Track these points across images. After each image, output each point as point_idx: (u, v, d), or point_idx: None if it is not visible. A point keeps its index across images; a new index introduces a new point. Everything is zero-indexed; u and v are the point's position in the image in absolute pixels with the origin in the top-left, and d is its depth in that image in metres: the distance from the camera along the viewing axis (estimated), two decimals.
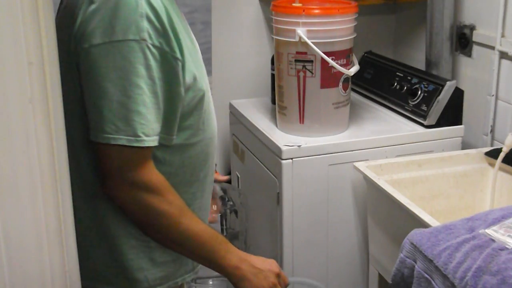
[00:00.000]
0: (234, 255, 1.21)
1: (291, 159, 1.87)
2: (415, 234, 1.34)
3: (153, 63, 1.05)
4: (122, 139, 1.05)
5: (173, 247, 1.20)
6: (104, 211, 1.17)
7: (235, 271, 1.21)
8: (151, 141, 1.08)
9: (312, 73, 1.89)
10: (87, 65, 1.06)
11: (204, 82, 1.19)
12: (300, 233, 1.94)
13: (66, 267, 0.80)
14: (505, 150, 1.73)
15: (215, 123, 1.29)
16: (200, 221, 1.19)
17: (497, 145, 1.95)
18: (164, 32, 1.06)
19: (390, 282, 1.41)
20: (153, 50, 1.05)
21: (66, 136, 0.94)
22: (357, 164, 1.80)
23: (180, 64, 1.09)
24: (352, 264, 2.04)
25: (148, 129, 1.07)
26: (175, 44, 1.08)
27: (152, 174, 1.12)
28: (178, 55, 1.09)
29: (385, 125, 2.05)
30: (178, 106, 1.12)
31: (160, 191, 1.12)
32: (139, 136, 1.06)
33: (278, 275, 1.25)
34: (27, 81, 0.72)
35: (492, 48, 1.96)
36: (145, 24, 1.04)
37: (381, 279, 1.84)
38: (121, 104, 1.04)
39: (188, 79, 1.12)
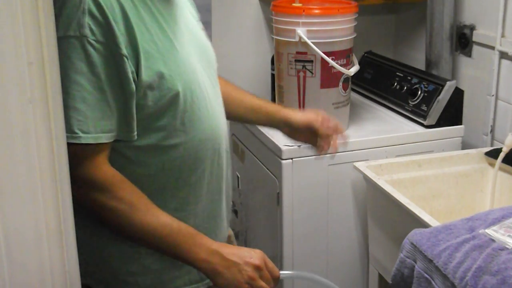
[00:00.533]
0: (203, 248, 1.13)
1: (291, 159, 1.87)
2: (415, 234, 1.34)
3: (96, 59, 1.03)
4: None
5: (136, 242, 1.16)
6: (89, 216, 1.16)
7: (204, 264, 1.13)
8: (91, 138, 1.05)
9: (312, 73, 1.89)
10: None
11: (182, 82, 1.14)
12: (300, 233, 1.94)
13: (66, 267, 0.80)
14: (505, 150, 1.72)
15: (215, 125, 1.24)
16: (161, 216, 1.12)
17: (497, 145, 1.95)
18: (108, 27, 1.04)
19: (390, 282, 1.41)
20: (97, 46, 1.03)
21: None
22: (357, 164, 1.80)
23: (127, 60, 1.06)
24: (352, 264, 2.04)
25: (87, 126, 1.05)
26: (125, 40, 1.06)
27: (98, 171, 1.09)
28: (126, 51, 1.06)
29: (385, 125, 2.05)
30: (130, 102, 1.09)
31: (108, 187, 1.09)
32: (75, 133, 1.04)
33: (258, 268, 1.14)
34: (27, 81, 0.71)
35: (492, 48, 1.96)
36: (87, 20, 1.03)
37: (381, 279, 1.84)
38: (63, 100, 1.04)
39: (148, 77, 1.08)
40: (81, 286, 1.24)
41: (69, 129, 1.03)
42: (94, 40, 1.03)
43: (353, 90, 2.26)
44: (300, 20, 1.84)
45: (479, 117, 2.06)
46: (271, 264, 1.18)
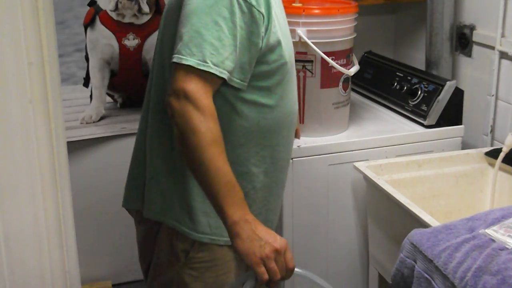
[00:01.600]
0: (241, 212, 1.20)
1: (291, 159, 1.87)
2: (415, 234, 1.34)
3: (237, 11, 1.21)
4: (192, 61, 1.19)
5: (194, 171, 1.23)
6: (177, 151, 1.31)
7: (233, 226, 1.19)
8: (218, 71, 1.20)
9: (312, 73, 1.89)
10: (183, 3, 1.24)
11: (288, 54, 1.33)
12: (300, 233, 1.94)
13: (66, 267, 0.80)
14: (505, 150, 1.72)
15: (294, 101, 1.40)
16: (227, 165, 1.21)
17: (497, 145, 1.95)
18: None
19: (390, 282, 1.41)
20: (241, 1, 1.21)
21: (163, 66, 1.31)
22: (357, 164, 1.80)
23: (263, 18, 1.24)
24: (352, 264, 2.04)
25: (217, 60, 1.20)
26: (263, 2, 1.24)
27: (206, 96, 1.21)
28: (263, 11, 1.24)
29: (385, 125, 2.05)
30: (253, 55, 1.26)
31: (206, 113, 1.19)
32: (207, 63, 1.19)
33: (277, 252, 1.20)
34: (27, 81, 0.72)
35: (492, 48, 1.96)
36: None
37: (381, 279, 1.84)
38: (199, 34, 1.20)
39: (272, 40, 1.27)
40: (153, 223, 1.38)
41: (202, 58, 1.19)
42: None
43: (353, 90, 2.26)
44: (300, 20, 1.84)
45: (479, 117, 2.06)
46: (290, 255, 1.24)
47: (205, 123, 1.18)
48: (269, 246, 1.19)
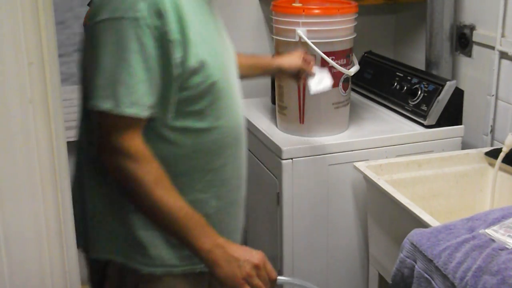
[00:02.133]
0: (210, 239, 1.19)
1: (291, 159, 1.87)
2: (415, 234, 1.34)
3: (147, 41, 1.11)
4: (107, 106, 1.12)
5: (149, 218, 1.21)
6: (112, 186, 1.24)
7: (208, 255, 1.18)
8: (137, 111, 1.13)
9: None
10: (91, 40, 1.16)
11: (220, 71, 1.24)
12: (300, 233, 1.94)
13: (66, 267, 0.80)
14: (505, 150, 1.72)
15: (238, 115, 1.32)
16: (179, 198, 1.18)
17: (497, 145, 1.95)
18: (161, 13, 1.12)
19: (390, 282, 1.41)
20: (149, 29, 1.11)
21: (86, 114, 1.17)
22: (357, 164, 1.80)
23: (176, 46, 1.14)
24: (352, 264, 2.04)
25: (133, 99, 1.12)
26: (175, 26, 1.14)
27: (134, 142, 1.16)
28: (175, 36, 1.14)
29: (385, 125, 2.05)
30: (172, 85, 1.17)
31: (139, 159, 1.16)
32: (123, 104, 1.12)
33: (257, 267, 1.20)
34: (27, 81, 0.72)
35: (492, 48, 1.96)
36: (142, 5, 1.11)
37: (381, 279, 1.84)
38: (111, 75, 1.12)
39: (192, 63, 1.17)
40: (100, 263, 1.30)
41: (116, 101, 1.12)
42: (147, 23, 1.11)
43: (353, 90, 2.26)
44: (300, 20, 1.84)
45: (479, 117, 2.06)
46: (270, 266, 1.23)
47: (140, 169, 1.15)
48: (248, 264, 1.19)
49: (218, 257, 1.18)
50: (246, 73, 1.59)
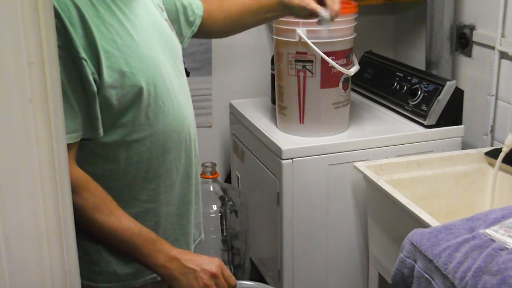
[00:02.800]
0: (162, 254, 1.17)
1: (291, 159, 1.87)
2: (415, 234, 1.34)
3: (61, 63, 1.02)
4: None
5: (99, 243, 1.19)
6: None
7: (163, 270, 1.17)
8: None
9: (312, 73, 1.89)
10: None
11: (145, 76, 1.15)
12: (300, 233, 1.94)
13: (66, 267, 0.80)
14: (505, 150, 1.72)
15: (178, 116, 1.25)
16: (123, 219, 1.15)
17: (497, 145, 1.95)
18: (66, 31, 1.05)
19: (390, 282, 1.41)
20: (60, 52, 1.02)
21: None
22: (357, 164, 1.80)
23: (86, 63, 1.07)
24: (352, 264, 2.04)
25: None
26: (83, 43, 1.07)
27: None
28: (84, 54, 1.07)
29: (385, 125, 2.05)
30: (93, 103, 1.10)
31: (74, 187, 1.07)
32: None
33: (214, 276, 1.18)
34: (27, 81, 0.71)
35: (492, 48, 1.96)
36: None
37: (381, 279, 1.84)
38: None
39: (109, 76, 1.10)
40: None
41: None
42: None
43: (353, 90, 2.26)
44: (300, 20, 1.84)
45: (479, 117, 2.06)
46: (227, 272, 1.21)
47: (78, 197, 1.09)
48: (205, 274, 1.17)
49: (174, 271, 1.16)
50: (249, 20, 1.53)
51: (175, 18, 1.44)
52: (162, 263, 1.16)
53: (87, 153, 1.15)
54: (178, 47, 1.34)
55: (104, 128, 1.14)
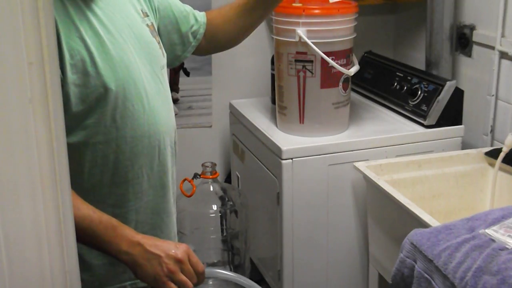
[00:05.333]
0: (124, 240, 1.12)
1: (291, 159, 1.87)
2: (415, 234, 1.34)
3: None
4: None
5: None
6: None
7: (125, 256, 1.12)
8: None
9: (312, 73, 1.89)
10: None
11: (112, 78, 1.14)
12: (300, 233, 1.94)
13: (66, 267, 0.80)
14: (505, 150, 1.72)
15: (151, 122, 1.23)
16: (82, 207, 1.11)
17: (497, 145, 1.95)
18: None
19: (390, 282, 1.41)
20: None
21: None
22: (357, 164, 1.80)
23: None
24: (352, 264, 2.04)
25: None
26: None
27: None
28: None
29: (385, 125, 2.05)
30: None
31: None
32: None
33: (180, 261, 1.13)
34: (27, 81, 0.71)
35: (492, 48, 1.96)
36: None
37: (381, 279, 1.84)
38: None
39: (73, 74, 1.09)
40: None
41: None
42: None
43: (353, 90, 2.26)
44: (300, 20, 1.84)
45: (479, 117, 2.06)
46: (195, 258, 1.16)
47: None
48: (169, 259, 1.12)
49: (137, 256, 1.12)
50: (247, 20, 1.50)
51: (175, 27, 1.44)
52: (124, 249, 1.12)
53: None
54: (158, 53, 1.32)
55: (68, 129, 1.12)
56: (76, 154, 1.15)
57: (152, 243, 1.14)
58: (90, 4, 1.15)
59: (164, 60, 1.34)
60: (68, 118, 1.09)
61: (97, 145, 1.16)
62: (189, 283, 1.13)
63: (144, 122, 1.21)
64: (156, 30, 1.36)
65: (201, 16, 1.49)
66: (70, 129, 1.11)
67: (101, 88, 1.12)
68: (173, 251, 1.13)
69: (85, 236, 1.11)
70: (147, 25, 1.31)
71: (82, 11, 1.13)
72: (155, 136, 1.24)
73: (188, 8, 1.47)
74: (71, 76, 1.09)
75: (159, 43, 1.33)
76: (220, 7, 1.54)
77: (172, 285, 1.12)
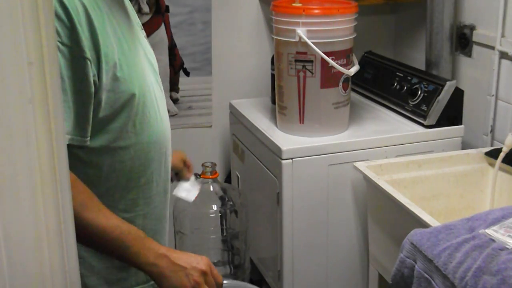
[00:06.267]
0: (151, 252, 1.15)
1: (291, 159, 1.87)
2: (415, 234, 1.34)
3: (61, 61, 1.04)
4: None
5: (85, 243, 1.17)
6: None
7: (152, 268, 1.14)
8: None
9: (312, 73, 1.89)
10: None
11: (136, 83, 1.17)
12: (300, 233, 1.94)
13: (66, 267, 0.80)
14: (505, 150, 1.72)
15: (161, 128, 1.26)
16: (111, 217, 1.14)
17: (497, 145, 1.95)
18: (73, 30, 1.05)
19: (390, 282, 1.41)
20: (62, 48, 1.04)
21: None
22: (357, 164, 1.80)
23: (89, 63, 1.08)
24: (352, 264, 2.04)
25: None
26: (88, 43, 1.08)
27: None
28: (89, 54, 1.08)
29: (385, 125, 2.05)
30: (88, 106, 1.10)
31: None
32: None
33: (204, 273, 1.17)
34: (27, 81, 0.71)
35: (492, 48, 1.96)
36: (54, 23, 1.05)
37: (381, 279, 1.84)
38: None
39: (106, 79, 1.11)
40: None
41: None
42: (59, 42, 1.03)
43: (353, 90, 2.26)
44: (300, 20, 1.84)
45: (479, 117, 2.06)
46: (215, 270, 1.21)
47: None
48: (195, 271, 1.16)
49: (163, 268, 1.15)
50: None
51: None
52: (151, 261, 1.14)
53: (69, 157, 1.14)
54: (156, 63, 1.35)
55: (92, 133, 1.14)
56: (96, 159, 1.17)
57: (177, 256, 1.17)
58: (114, 11, 1.17)
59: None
60: (95, 123, 1.12)
61: (117, 150, 1.18)
62: None
63: (157, 129, 1.25)
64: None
65: None
66: (93, 134, 1.13)
67: (128, 93, 1.15)
68: (198, 263, 1.17)
69: (111, 246, 1.14)
70: (144, 36, 1.34)
71: (110, 19, 1.15)
72: (163, 143, 1.27)
73: None
74: (105, 82, 1.11)
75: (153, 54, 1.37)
76: None
77: None
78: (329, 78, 1.91)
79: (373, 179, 1.71)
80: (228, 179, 2.51)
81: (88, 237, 1.14)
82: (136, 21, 1.32)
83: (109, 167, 1.19)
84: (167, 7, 2.33)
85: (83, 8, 1.07)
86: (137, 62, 1.20)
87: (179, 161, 1.62)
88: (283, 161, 1.87)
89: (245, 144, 2.20)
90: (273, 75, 2.14)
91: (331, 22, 1.86)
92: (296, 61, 1.89)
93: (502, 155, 1.73)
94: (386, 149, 1.94)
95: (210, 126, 2.52)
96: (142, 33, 1.33)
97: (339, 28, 1.87)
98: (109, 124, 1.16)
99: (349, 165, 1.86)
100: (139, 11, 2.27)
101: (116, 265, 1.23)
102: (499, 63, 1.95)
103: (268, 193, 1.99)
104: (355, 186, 1.94)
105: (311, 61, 1.88)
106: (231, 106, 2.31)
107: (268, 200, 2.01)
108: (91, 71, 1.08)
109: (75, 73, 1.07)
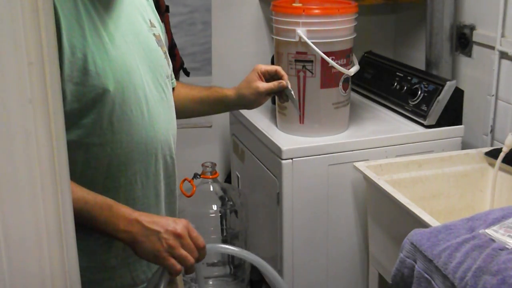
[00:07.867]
0: (121, 218, 1.11)
1: (291, 159, 1.87)
2: (415, 234, 1.34)
3: None
4: None
5: None
6: None
7: (124, 235, 1.11)
8: None
9: (312, 73, 1.89)
10: None
11: (112, 80, 1.14)
12: (300, 233, 1.94)
13: (66, 267, 0.80)
14: (505, 150, 1.72)
15: (146, 128, 1.21)
16: (76, 190, 1.10)
17: (497, 145, 1.95)
18: None
19: (390, 282, 1.41)
20: None
21: None
22: (357, 164, 1.80)
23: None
24: (352, 264, 2.04)
25: None
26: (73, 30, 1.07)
27: None
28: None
29: (385, 125, 2.05)
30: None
31: None
32: None
33: (180, 236, 1.11)
34: (27, 81, 0.71)
35: (492, 48, 1.96)
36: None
37: (381, 279, 1.84)
38: None
39: (71, 71, 1.08)
40: None
41: None
42: None
43: (353, 90, 2.26)
44: (300, 20, 1.84)
45: (479, 117, 2.06)
46: (195, 233, 1.14)
47: None
48: (169, 234, 1.10)
49: (136, 234, 1.10)
50: (198, 108, 1.52)
51: None
52: (122, 228, 1.11)
53: None
54: (163, 62, 1.31)
55: (66, 124, 1.12)
56: (69, 153, 1.15)
57: (150, 220, 1.12)
58: (97, 5, 1.15)
59: (169, 71, 1.34)
60: (66, 116, 1.10)
61: (91, 147, 1.15)
62: (190, 258, 1.12)
63: (142, 129, 1.20)
64: (163, 41, 1.36)
65: (173, 80, 1.47)
66: (67, 128, 1.11)
67: (99, 88, 1.12)
68: (172, 226, 1.12)
69: (80, 218, 1.08)
70: (154, 34, 1.31)
71: (88, 11, 1.13)
72: (152, 144, 1.22)
73: (171, 66, 1.44)
74: (69, 73, 1.08)
75: (165, 53, 1.33)
76: (192, 87, 1.54)
77: (173, 260, 1.10)
78: (329, 78, 1.91)
79: (373, 179, 1.71)
80: (228, 179, 2.51)
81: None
82: (144, 18, 1.30)
83: (84, 163, 1.16)
84: (167, 7, 2.33)
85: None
86: (120, 58, 1.16)
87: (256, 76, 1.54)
88: (283, 161, 1.87)
89: (245, 144, 2.20)
90: None
91: (331, 22, 1.86)
92: (296, 61, 1.89)
93: (502, 155, 1.73)
94: (386, 149, 1.94)
95: (210, 126, 2.52)
96: (151, 30, 1.30)
97: (339, 28, 1.87)
98: (80, 119, 1.13)
99: (349, 165, 1.86)
100: None
101: (99, 264, 1.21)
102: (499, 63, 1.95)
103: (268, 193, 1.99)
104: (355, 186, 1.94)
105: (311, 61, 1.88)
106: None
107: (268, 200, 2.01)
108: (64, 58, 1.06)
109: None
